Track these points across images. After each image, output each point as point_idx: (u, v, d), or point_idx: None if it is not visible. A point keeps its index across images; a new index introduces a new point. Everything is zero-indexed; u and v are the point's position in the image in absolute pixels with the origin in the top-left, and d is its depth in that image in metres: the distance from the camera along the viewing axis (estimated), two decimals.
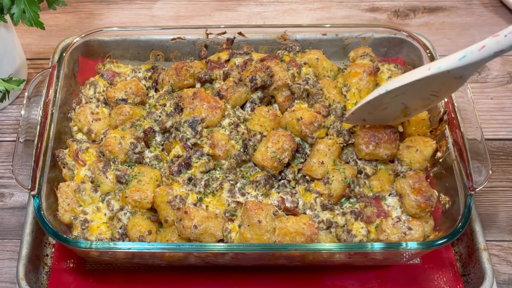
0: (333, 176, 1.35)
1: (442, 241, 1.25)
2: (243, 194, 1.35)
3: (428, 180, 1.47)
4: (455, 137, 1.38)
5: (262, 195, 1.36)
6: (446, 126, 1.42)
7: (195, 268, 1.45)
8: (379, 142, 1.37)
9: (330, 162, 1.36)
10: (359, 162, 1.41)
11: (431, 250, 1.44)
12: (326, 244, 1.27)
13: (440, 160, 1.44)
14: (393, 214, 1.35)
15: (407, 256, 1.40)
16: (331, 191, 1.34)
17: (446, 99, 1.45)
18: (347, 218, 1.34)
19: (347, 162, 1.40)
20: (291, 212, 1.34)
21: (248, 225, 1.27)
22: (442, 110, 1.44)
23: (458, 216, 1.29)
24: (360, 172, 1.39)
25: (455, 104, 1.43)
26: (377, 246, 1.25)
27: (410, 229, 1.29)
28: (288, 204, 1.34)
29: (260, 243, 1.26)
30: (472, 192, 1.30)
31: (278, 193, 1.37)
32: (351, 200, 1.36)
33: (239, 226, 1.29)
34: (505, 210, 1.60)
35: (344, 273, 1.45)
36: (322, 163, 1.36)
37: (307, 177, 1.39)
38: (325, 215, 1.33)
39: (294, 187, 1.40)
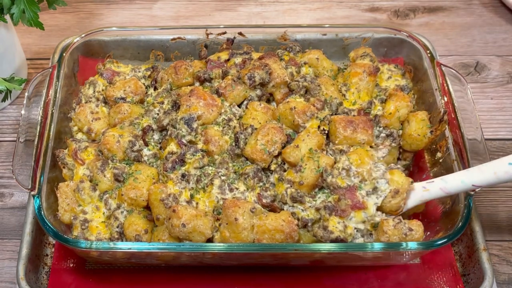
0: (306, 164, 1.32)
1: (442, 241, 1.25)
2: (231, 190, 1.35)
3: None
4: (455, 137, 1.39)
5: (249, 189, 1.35)
6: (446, 126, 1.42)
7: (195, 268, 1.45)
8: (356, 127, 1.38)
9: (306, 149, 1.34)
10: (336, 146, 1.39)
11: (431, 250, 1.44)
12: (326, 245, 1.26)
13: (440, 160, 1.44)
14: (369, 206, 1.29)
15: (407, 256, 1.40)
16: (302, 179, 1.31)
17: (446, 99, 1.45)
18: (322, 213, 1.29)
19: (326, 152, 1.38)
20: (270, 208, 1.33)
21: (227, 224, 1.27)
22: (442, 110, 1.44)
23: (458, 216, 1.29)
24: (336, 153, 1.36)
25: (455, 104, 1.43)
26: (377, 246, 1.25)
27: (410, 230, 1.29)
28: (264, 200, 1.33)
29: (260, 244, 1.26)
30: (472, 192, 1.30)
31: (260, 187, 1.36)
32: (325, 190, 1.32)
33: (219, 224, 1.30)
34: (505, 210, 1.60)
35: (344, 273, 1.45)
36: (297, 146, 1.34)
37: (285, 166, 1.37)
38: (300, 213, 1.31)
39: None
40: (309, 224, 1.30)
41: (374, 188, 1.30)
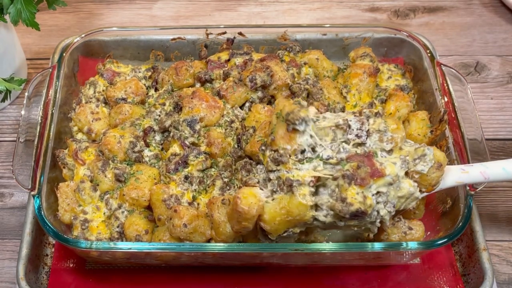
0: (275, 124, 1.24)
1: (442, 241, 1.25)
2: (229, 189, 1.35)
3: None
4: (455, 137, 1.38)
5: (241, 183, 1.35)
6: (446, 126, 1.42)
7: (195, 268, 1.45)
8: None
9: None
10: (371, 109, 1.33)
11: (431, 250, 1.44)
12: (326, 244, 1.27)
13: None
14: (387, 172, 1.18)
15: (407, 256, 1.40)
16: (273, 135, 1.22)
17: (446, 99, 1.45)
18: (340, 183, 1.17)
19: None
20: None
21: (212, 223, 1.27)
22: (442, 110, 1.44)
23: (458, 216, 1.29)
24: (368, 117, 1.24)
25: (455, 104, 1.44)
26: (377, 246, 1.25)
27: (410, 229, 1.29)
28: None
29: (259, 244, 1.26)
30: (473, 192, 1.30)
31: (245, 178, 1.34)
32: (316, 150, 1.20)
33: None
34: (505, 210, 1.60)
35: (344, 273, 1.45)
36: (270, 123, 1.28)
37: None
38: (285, 174, 1.20)
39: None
40: (295, 185, 1.19)
41: (424, 154, 1.21)
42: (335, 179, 1.18)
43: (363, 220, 1.19)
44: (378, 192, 1.19)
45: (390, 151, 1.21)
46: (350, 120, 1.22)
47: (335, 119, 1.23)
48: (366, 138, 1.21)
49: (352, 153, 1.19)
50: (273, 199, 1.20)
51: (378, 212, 1.19)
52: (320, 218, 1.19)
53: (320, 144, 1.22)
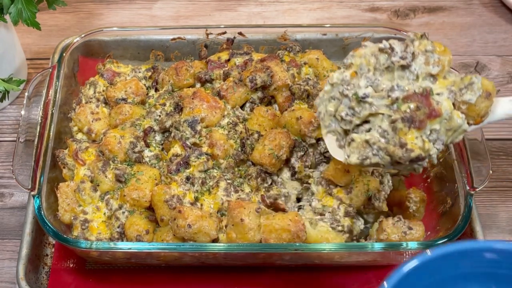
0: (356, 187, 1.32)
1: (443, 241, 1.25)
2: (236, 191, 1.35)
3: (429, 180, 1.48)
4: None
5: (253, 190, 1.35)
6: None
7: (195, 268, 1.45)
8: None
9: (356, 172, 1.32)
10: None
11: None
12: (327, 244, 1.27)
13: (441, 160, 1.44)
14: (443, 110, 1.12)
15: (407, 256, 1.40)
16: (352, 202, 1.31)
17: None
18: (399, 126, 1.10)
19: (372, 173, 1.34)
20: (274, 207, 1.33)
21: (233, 225, 1.27)
22: None
23: (458, 216, 1.29)
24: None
25: None
26: (377, 246, 1.25)
27: (410, 228, 1.29)
28: (267, 200, 1.33)
29: (260, 244, 1.26)
30: (473, 192, 1.30)
31: (264, 188, 1.36)
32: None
33: (225, 226, 1.29)
34: (505, 210, 1.60)
35: (343, 273, 1.45)
36: (348, 171, 1.32)
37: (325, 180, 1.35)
38: (346, 221, 1.30)
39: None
40: (354, 231, 1.32)
41: (471, 83, 1.15)
42: (393, 121, 1.11)
43: (416, 163, 1.14)
44: (430, 131, 1.12)
45: (435, 78, 1.14)
46: (393, 43, 1.15)
47: (377, 45, 1.16)
48: (412, 61, 1.13)
49: (410, 92, 1.11)
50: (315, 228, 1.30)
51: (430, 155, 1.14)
52: (365, 163, 1.15)
53: (367, 78, 1.15)
